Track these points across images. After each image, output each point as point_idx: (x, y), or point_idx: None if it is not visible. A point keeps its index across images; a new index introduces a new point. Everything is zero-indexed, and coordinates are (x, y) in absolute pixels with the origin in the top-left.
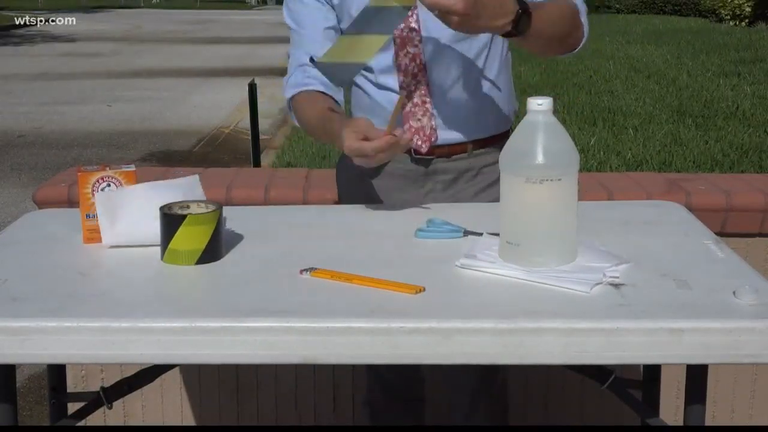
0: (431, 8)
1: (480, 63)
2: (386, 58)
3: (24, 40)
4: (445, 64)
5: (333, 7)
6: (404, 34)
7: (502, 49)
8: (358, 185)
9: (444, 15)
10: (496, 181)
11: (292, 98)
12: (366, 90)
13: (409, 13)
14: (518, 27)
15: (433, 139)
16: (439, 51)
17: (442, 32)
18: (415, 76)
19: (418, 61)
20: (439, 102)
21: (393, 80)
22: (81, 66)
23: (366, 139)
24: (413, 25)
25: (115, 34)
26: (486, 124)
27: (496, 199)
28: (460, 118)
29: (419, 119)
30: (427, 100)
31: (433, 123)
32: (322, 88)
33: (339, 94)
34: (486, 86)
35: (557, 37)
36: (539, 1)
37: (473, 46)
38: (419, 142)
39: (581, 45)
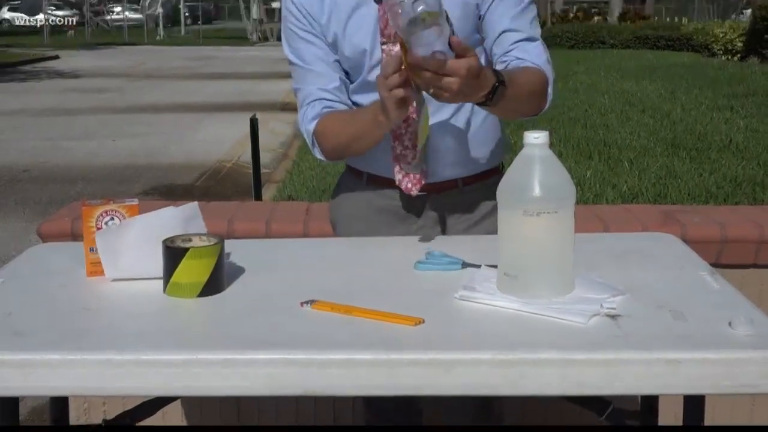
0: (426, 87)
1: (470, 106)
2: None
3: (30, 77)
4: (436, 107)
5: (328, 44)
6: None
7: None
8: (350, 222)
9: (437, 91)
10: (487, 215)
11: (314, 132)
12: None
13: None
14: (492, 98)
15: (423, 182)
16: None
17: None
18: (406, 119)
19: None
20: (430, 144)
21: None
22: (86, 102)
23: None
24: (404, 67)
25: (119, 71)
26: (476, 162)
27: (490, 232)
28: (450, 158)
29: (409, 163)
30: (418, 144)
31: (423, 166)
32: (342, 107)
33: None
34: (476, 127)
35: (520, 110)
36: (514, 69)
37: None
38: (409, 185)
39: (542, 112)
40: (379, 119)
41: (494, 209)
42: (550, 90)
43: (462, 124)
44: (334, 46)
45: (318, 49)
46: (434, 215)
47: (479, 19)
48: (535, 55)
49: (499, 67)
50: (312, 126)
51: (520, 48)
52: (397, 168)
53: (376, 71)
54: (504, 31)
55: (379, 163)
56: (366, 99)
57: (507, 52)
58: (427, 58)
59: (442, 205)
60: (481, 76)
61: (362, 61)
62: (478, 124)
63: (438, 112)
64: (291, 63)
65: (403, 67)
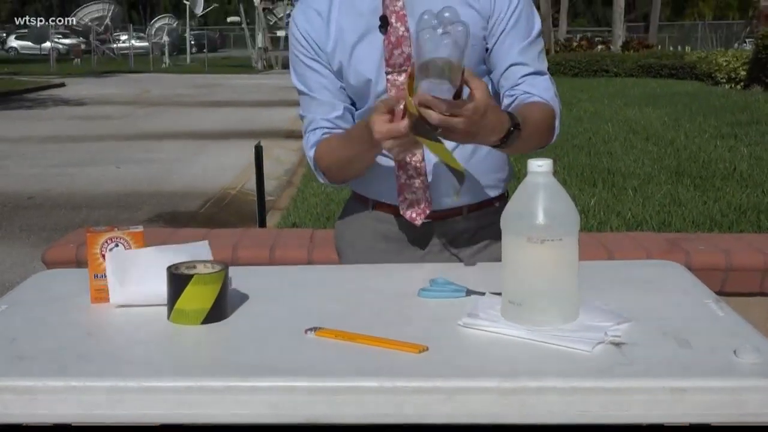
0: (436, 126)
1: None
2: None
3: (36, 104)
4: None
5: (333, 72)
6: (400, 107)
7: None
8: (355, 249)
9: (446, 131)
10: (493, 241)
11: (315, 157)
12: None
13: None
14: (507, 141)
15: (428, 212)
16: None
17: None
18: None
19: None
20: (435, 174)
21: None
22: (90, 129)
23: (393, 116)
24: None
25: (124, 98)
26: (481, 189)
27: (494, 260)
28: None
29: (414, 192)
30: (422, 172)
31: (428, 195)
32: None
33: None
34: (482, 155)
35: (529, 147)
36: (524, 106)
37: None
38: (414, 215)
39: (547, 146)
40: (368, 134)
41: (500, 236)
42: (557, 124)
43: (468, 152)
44: (339, 74)
45: (322, 77)
46: (439, 242)
47: (486, 51)
48: (542, 89)
49: (506, 101)
50: (312, 152)
51: (528, 82)
52: (401, 198)
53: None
54: (512, 65)
55: (384, 190)
56: None
57: (515, 86)
58: (434, 99)
59: (447, 232)
60: (489, 115)
61: (367, 90)
62: (484, 153)
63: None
64: (297, 90)
65: (402, 106)
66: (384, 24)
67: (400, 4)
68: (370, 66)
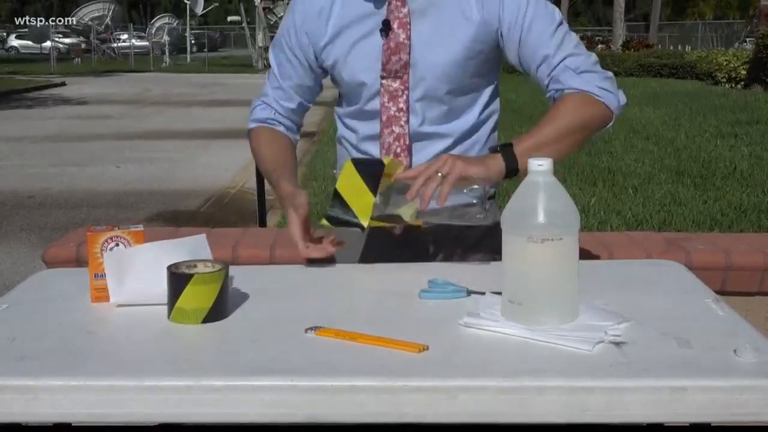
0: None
1: (464, 146)
2: (372, 128)
3: (37, 103)
4: (429, 146)
5: (312, 68)
6: (391, 113)
7: (489, 132)
8: (345, 250)
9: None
10: (484, 236)
11: (252, 129)
12: (349, 152)
13: (399, 93)
14: (510, 161)
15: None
16: (424, 133)
17: (430, 114)
18: (398, 156)
19: (402, 141)
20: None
21: (375, 148)
22: (91, 128)
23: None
24: (402, 105)
25: (125, 98)
26: (463, 196)
27: (486, 253)
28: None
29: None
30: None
31: None
32: (282, 129)
33: (296, 135)
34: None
35: (574, 145)
36: (552, 105)
37: (458, 128)
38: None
39: (615, 116)
40: (282, 206)
41: (489, 231)
42: (604, 100)
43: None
44: (333, 68)
45: (294, 70)
46: (429, 239)
47: (489, 61)
48: (568, 78)
49: (549, 102)
50: (252, 126)
51: (555, 78)
52: None
53: (374, 102)
54: (539, 66)
55: None
56: (362, 126)
57: (547, 89)
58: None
59: (437, 230)
60: (445, 159)
61: (360, 91)
62: (472, 155)
63: (427, 149)
64: (270, 64)
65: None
66: (386, 29)
67: (405, 11)
68: (366, 67)
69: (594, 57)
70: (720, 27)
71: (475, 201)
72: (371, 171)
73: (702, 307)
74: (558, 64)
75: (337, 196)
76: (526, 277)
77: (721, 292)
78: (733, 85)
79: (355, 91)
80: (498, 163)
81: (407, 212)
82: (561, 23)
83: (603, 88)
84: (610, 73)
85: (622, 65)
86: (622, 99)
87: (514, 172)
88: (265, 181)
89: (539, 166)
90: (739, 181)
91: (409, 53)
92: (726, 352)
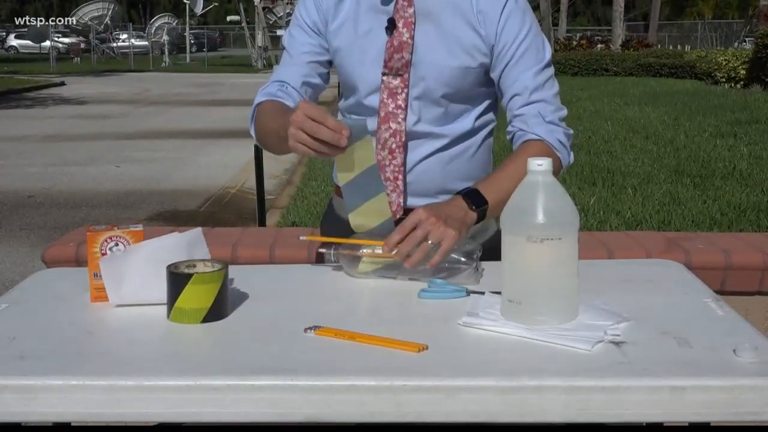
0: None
1: (460, 146)
2: (371, 123)
3: (36, 103)
4: (425, 144)
5: (327, 50)
6: (389, 109)
7: (483, 138)
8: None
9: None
10: (477, 231)
11: (258, 104)
12: None
13: (399, 91)
14: (479, 204)
15: (398, 215)
16: (421, 131)
17: (426, 115)
18: (392, 151)
19: (398, 138)
20: (412, 178)
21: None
22: (90, 128)
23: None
24: (400, 102)
25: (124, 97)
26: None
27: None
28: (430, 191)
29: (388, 194)
30: (400, 177)
31: (401, 200)
32: (290, 102)
33: None
34: (461, 164)
35: None
36: (517, 146)
37: (453, 131)
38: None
39: (561, 171)
40: (282, 135)
41: (480, 228)
42: (560, 154)
43: (447, 163)
44: (335, 55)
45: (311, 42)
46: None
47: (485, 75)
48: (535, 124)
49: (508, 136)
50: (259, 100)
51: (522, 118)
52: None
53: (374, 97)
54: (514, 95)
55: None
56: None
57: (512, 120)
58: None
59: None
60: (419, 219)
61: (359, 83)
62: (465, 164)
63: (421, 147)
64: (284, 47)
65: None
66: (391, 27)
67: (411, 11)
68: (368, 61)
69: (564, 112)
70: (719, 27)
71: (463, 259)
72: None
73: (701, 306)
74: (531, 104)
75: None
76: (525, 276)
77: (721, 292)
78: (733, 85)
79: (355, 81)
80: (473, 220)
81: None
82: (549, 65)
83: (561, 142)
84: (571, 131)
85: (621, 65)
86: (572, 158)
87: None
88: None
89: (539, 165)
90: (739, 180)
91: (412, 53)
92: (725, 352)
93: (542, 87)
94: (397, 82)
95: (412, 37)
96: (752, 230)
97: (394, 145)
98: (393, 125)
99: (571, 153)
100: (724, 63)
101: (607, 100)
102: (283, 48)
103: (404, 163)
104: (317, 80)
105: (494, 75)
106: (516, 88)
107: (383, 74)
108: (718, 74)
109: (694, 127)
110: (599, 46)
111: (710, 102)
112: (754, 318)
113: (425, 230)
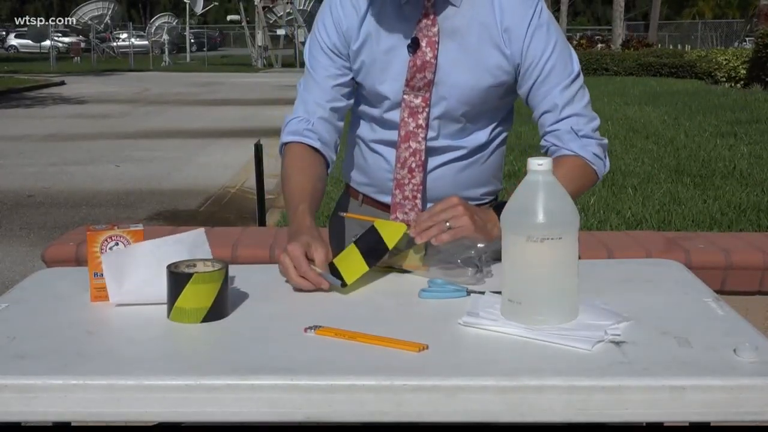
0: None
1: (477, 161)
2: (389, 134)
3: (36, 102)
4: (442, 157)
5: (351, 69)
6: (410, 128)
7: (498, 146)
8: (343, 246)
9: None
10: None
11: (286, 144)
12: (362, 151)
13: (420, 110)
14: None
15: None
16: (438, 146)
17: (445, 130)
18: (412, 170)
19: (417, 157)
20: (430, 197)
21: (389, 152)
22: (90, 127)
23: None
24: (421, 122)
25: (124, 97)
26: (472, 198)
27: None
28: (438, 198)
29: (406, 213)
30: (418, 195)
31: (418, 202)
32: (318, 145)
33: (333, 154)
34: (473, 171)
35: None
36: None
37: (470, 143)
38: (401, 217)
39: (599, 180)
40: (288, 235)
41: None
42: (594, 167)
43: (464, 180)
44: (357, 73)
45: (333, 65)
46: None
47: (510, 94)
48: (569, 140)
49: (542, 151)
50: (287, 140)
51: (555, 134)
52: (393, 217)
53: (394, 113)
54: (544, 112)
55: (377, 189)
56: (379, 132)
57: (544, 136)
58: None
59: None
60: (449, 206)
61: (380, 100)
62: (480, 177)
63: (437, 158)
64: (306, 66)
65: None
66: (414, 46)
67: (435, 30)
68: (389, 78)
69: (597, 121)
70: (720, 26)
71: (470, 266)
72: (374, 252)
73: (702, 306)
74: (563, 119)
75: (332, 267)
76: (525, 276)
77: (721, 292)
78: (733, 85)
79: (377, 98)
80: (497, 235)
81: (413, 258)
82: (578, 76)
83: (596, 155)
84: (605, 140)
85: (621, 64)
86: (608, 166)
87: None
88: (265, 180)
89: (539, 165)
90: (739, 180)
91: (434, 72)
92: (726, 352)
93: (572, 101)
94: (418, 101)
95: (436, 57)
96: (752, 230)
97: (414, 165)
98: (413, 144)
99: (607, 160)
100: (724, 62)
101: (608, 99)
102: (307, 69)
103: (423, 182)
104: (343, 102)
105: (522, 91)
106: (546, 105)
107: (404, 93)
108: (718, 74)
109: (695, 127)
110: (599, 45)
111: (710, 102)
112: (754, 318)
113: (450, 215)
